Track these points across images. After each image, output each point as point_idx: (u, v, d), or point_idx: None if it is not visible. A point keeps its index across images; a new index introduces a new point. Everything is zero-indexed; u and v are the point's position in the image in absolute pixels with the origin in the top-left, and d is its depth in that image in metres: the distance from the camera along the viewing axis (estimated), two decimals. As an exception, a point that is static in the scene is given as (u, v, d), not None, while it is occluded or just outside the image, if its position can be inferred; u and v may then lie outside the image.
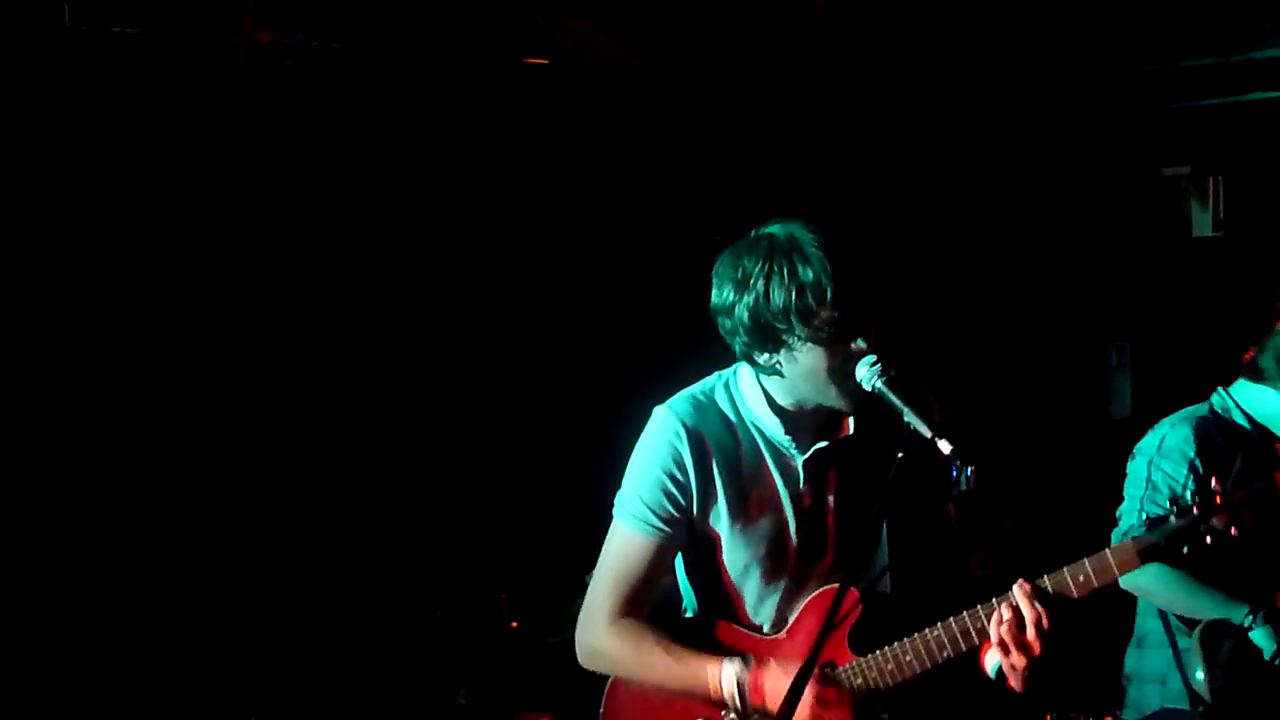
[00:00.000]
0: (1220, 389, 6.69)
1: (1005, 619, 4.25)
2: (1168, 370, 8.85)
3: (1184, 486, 6.28)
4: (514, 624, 6.84)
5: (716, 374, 4.63)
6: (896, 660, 4.39)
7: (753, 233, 4.38)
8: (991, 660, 4.39)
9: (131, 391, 6.97)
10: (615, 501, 4.61)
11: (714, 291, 4.40)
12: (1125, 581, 5.91)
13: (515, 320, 8.02)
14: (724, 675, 4.45)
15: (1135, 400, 9.15)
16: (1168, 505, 6.06)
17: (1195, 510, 4.29)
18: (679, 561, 4.69)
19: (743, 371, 4.57)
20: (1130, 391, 9.16)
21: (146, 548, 6.93)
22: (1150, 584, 6.04)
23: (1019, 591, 4.27)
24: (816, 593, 4.52)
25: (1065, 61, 8.62)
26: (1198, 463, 6.34)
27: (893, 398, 4.21)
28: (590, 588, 4.65)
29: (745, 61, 8.08)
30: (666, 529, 4.53)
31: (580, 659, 4.70)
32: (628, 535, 4.57)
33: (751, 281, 4.29)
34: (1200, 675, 6.01)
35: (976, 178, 8.92)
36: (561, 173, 8.05)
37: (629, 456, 4.62)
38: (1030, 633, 4.23)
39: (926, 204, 8.86)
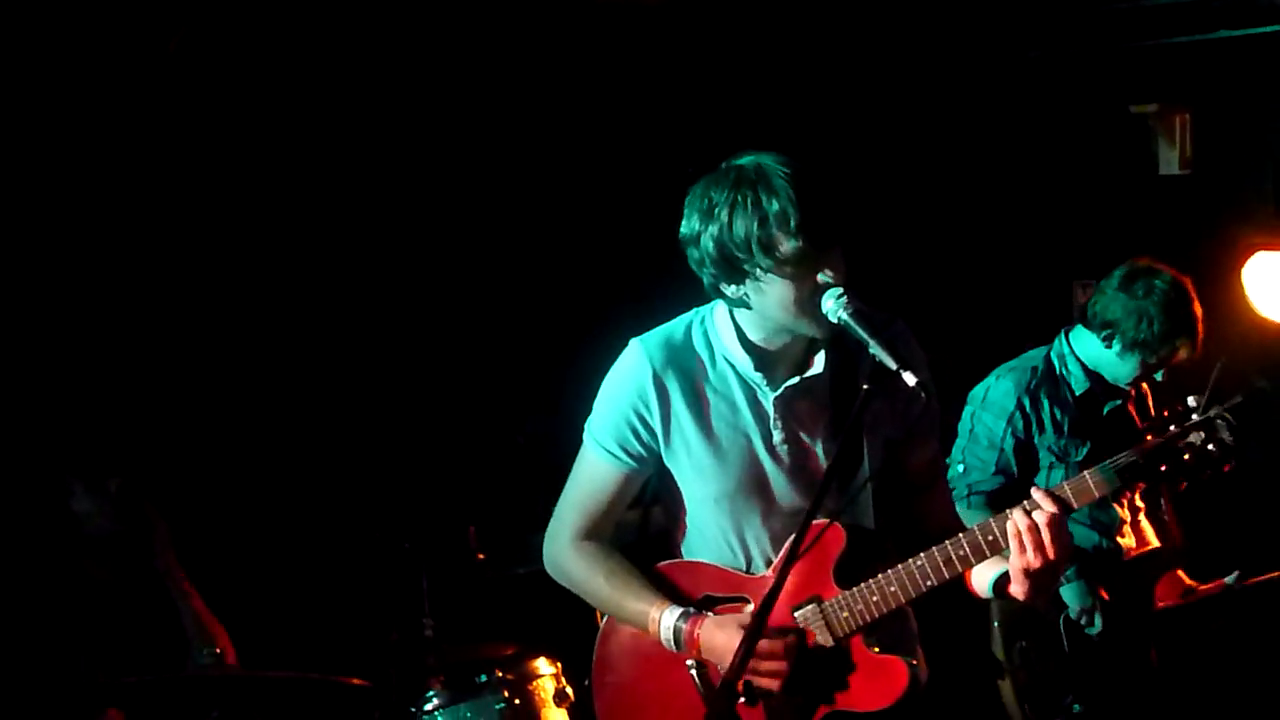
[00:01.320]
0: (1063, 333, 6.73)
1: (1027, 523, 4.26)
2: (1133, 308, 8.86)
3: (1001, 440, 6.38)
4: (481, 555, 6.87)
5: (694, 310, 4.65)
6: (881, 592, 4.42)
7: (723, 165, 4.38)
8: (983, 577, 4.46)
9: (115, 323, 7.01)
10: (586, 426, 4.70)
11: (683, 222, 4.42)
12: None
13: (486, 248, 8.03)
14: (662, 623, 4.57)
15: (1100, 338, 9.16)
16: (984, 457, 6.26)
17: (1172, 429, 4.29)
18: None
19: (718, 309, 4.58)
20: (1095, 329, 9.16)
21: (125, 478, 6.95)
22: None
23: (1038, 495, 4.30)
24: (797, 532, 4.44)
25: (1034, -2, 8.61)
26: (1017, 417, 6.42)
27: (858, 329, 4.23)
28: (560, 502, 4.79)
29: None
30: (631, 462, 4.63)
31: (546, 567, 4.87)
32: (594, 462, 4.67)
33: (716, 211, 4.31)
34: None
35: (943, 114, 8.91)
36: (553, 99, 8.05)
37: (599, 388, 4.67)
38: (1047, 535, 4.25)
39: (893, 141, 8.86)
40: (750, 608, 4.53)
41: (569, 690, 6.36)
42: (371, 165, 7.81)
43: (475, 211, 8.08)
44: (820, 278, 4.29)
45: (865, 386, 4.23)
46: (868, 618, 4.44)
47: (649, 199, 7.63)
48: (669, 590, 4.64)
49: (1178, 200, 8.79)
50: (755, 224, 4.24)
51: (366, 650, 6.77)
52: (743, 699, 4.48)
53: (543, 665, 6.39)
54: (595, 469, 4.68)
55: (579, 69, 8.09)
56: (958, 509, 5.46)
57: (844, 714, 4.50)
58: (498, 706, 6.14)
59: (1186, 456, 4.29)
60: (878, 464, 4.55)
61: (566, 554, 4.75)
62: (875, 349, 4.20)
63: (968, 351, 8.16)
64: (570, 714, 6.33)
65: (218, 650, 6.02)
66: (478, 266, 8.12)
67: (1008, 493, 6.49)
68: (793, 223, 4.22)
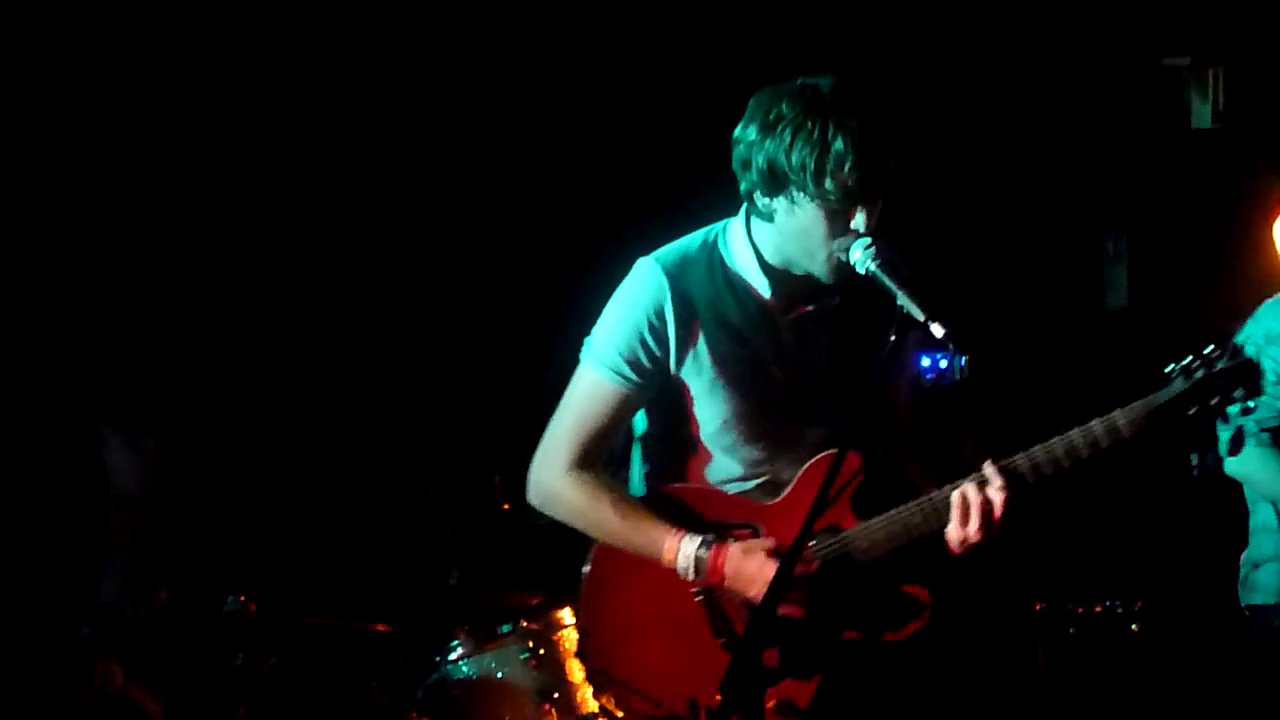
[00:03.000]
0: None
1: (978, 499, 4.25)
2: (1165, 262, 8.84)
3: None
4: (506, 505, 6.86)
5: (705, 229, 4.58)
6: (904, 524, 4.38)
7: (800, 80, 4.31)
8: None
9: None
10: (585, 345, 4.59)
11: (741, 123, 4.35)
12: (1230, 469, 5.87)
13: (502, 209, 8.03)
14: (681, 550, 4.44)
15: (1131, 291, 9.14)
16: (1272, 393, 5.99)
17: (1198, 373, 4.28)
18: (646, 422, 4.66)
19: (733, 227, 4.54)
20: (1127, 283, 9.14)
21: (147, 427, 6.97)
22: (1252, 471, 6.00)
23: (989, 470, 4.28)
24: (816, 458, 4.46)
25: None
26: None
27: (887, 280, 4.17)
28: (550, 428, 4.63)
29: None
30: (637, 379, 4.51)
31: (531, 497, 4.70)
32: (595, 381, 4.54)
33: (780, 128, 4.24)
34: None
35: (975, 66, 8.88)
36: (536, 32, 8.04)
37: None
38: (984, 512, 4.25)
39: (925, 93, 8.82)
40: (764, 535, 4.47)
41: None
42: (381, 141, 7.82)
43: (482, 183, 8.06)
44: (854, 218, 4.26)
45: (894, 336, 4.18)
46: (887, 549, 4.40)
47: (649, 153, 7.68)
48: (677, 517, 4.52)
49: (1209, 154, 8.75)
50: (814, 153, 4.19)
51: (391, 598, 6.78)
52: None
53: (567, 615, 6.37)
54: (597, 389, 4.54)
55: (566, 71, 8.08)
56: (1245, 449, 5.56)
57: (863, 644, 4.48)
58: (522, 656, 6.13)
59: (1215, 401, 4.27)
60: (902, 396, 4.56)
61: (563, 483, 4.59)
62: (903, 299, 4.14)
63: (999, 302, 8.16)
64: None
65: (241, 599, 6.03)
66: (505, 226, 8.11)
67: None
68: (848, 164, 4.19)
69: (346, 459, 7.50)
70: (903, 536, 4.38)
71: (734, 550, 4.41)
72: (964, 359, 4.51)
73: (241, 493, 7.17)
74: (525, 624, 6.27)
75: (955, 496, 4.28)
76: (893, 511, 4.40)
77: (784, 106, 4.26)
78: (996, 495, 4.26)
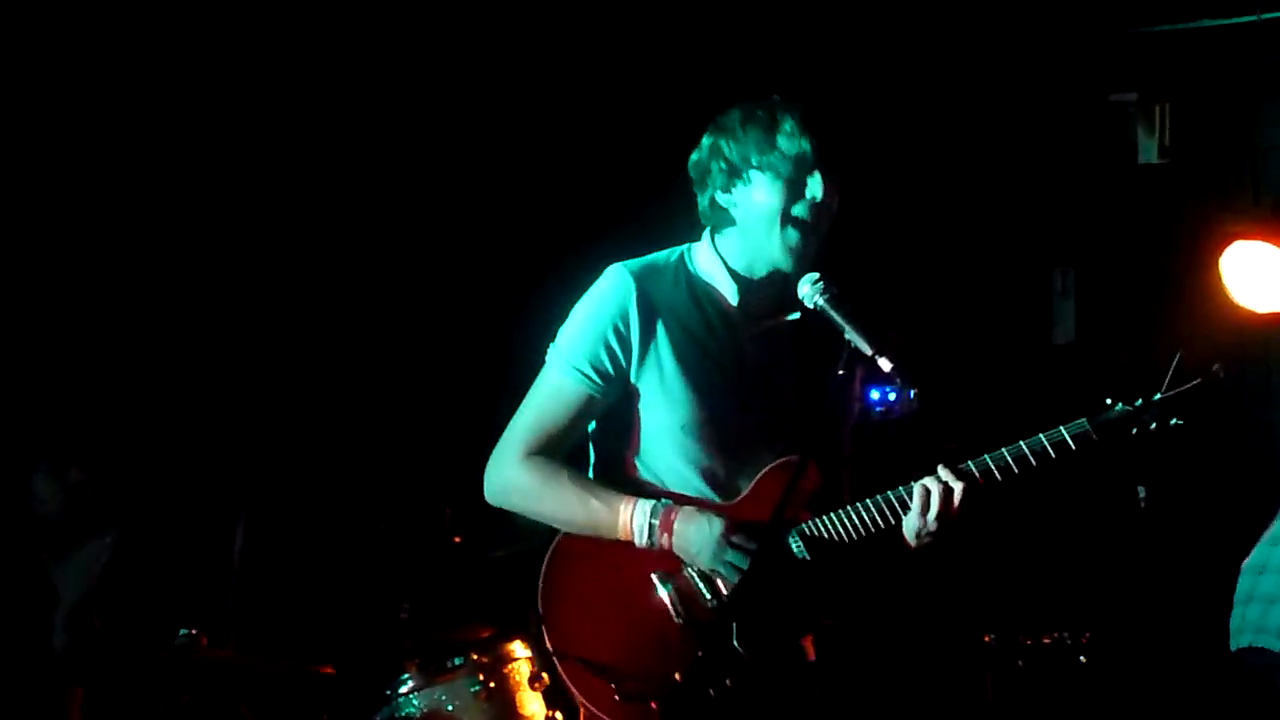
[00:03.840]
0: None
1: (931, 488, 4.39)
2: (1112, 296, 8.89)
3: None
4: (457, 538, 6.86)
5: (670, 248, 4.70)
6: (843, 522, 4.47)
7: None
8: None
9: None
10: (550, 349, 4.66)
11: (696, 150, 4.60)
12: None
13: (458, 235, 8.04)
14: (636, 511, 4.51)
15: (1079, 326, 9.19)
16: None
17: (1137, 401, 4.43)
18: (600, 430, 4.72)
19: (698, 244, 4.66)
20: (1075, 317, 9.19)
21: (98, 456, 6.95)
22: None
23: (943, 469, 4.41)
24: (776, 463, 4.55)
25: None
26: None
27: (834, 315, 4.33)
28: (509, 427, 4.69)
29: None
30: (599, 381, 4.58)
31: (486, 493, 4.74)
32: (559, 381, 4.62)
33: (729, 124, 4.52)
34: None
35: (923, 102, 8.92)
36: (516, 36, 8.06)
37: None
38: (941, 503, 4.39)
39: (871, 129, 8.86)
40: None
41: (544, 673, 6.36)
42: (364, 154, 7.82)
43: (447, 204, 8.08)
44: (808, 190, 4.44)
45: (840, 372, 4.28)
46: (838, 539, 4.48)
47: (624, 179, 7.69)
48: (633, 492, 4.60)
49: (1156, 189, 8.80)
50: (764, 129, 4.46)
51: (342, 632, 6.78)
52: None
53: (518, 648, 6.38)
54: (560, 389, 4.62)
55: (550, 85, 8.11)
56: None
57: (816, 626, 4.65)
58: (473, 689, 6.13)
59: (1134, 430, 4.43)
60: (850, 413, 4.71)
61: (518, 469, 4.64)
62: (850, 334, 4.28)
63: (947, 336, 8.19)
64: (545, 697, 6.33)
65: (193, 632, 6.02)
66: (457, 251, 8.12)
67: None
68: (799, 130, 4.44)
69: (297, 493, 7.49)
70: (856, 530, 4.47)
71: (685, 510, 4.50)
72: (912, 392, 4.57)
73: (189, 529, 7.16)
74: (476, 657, 6.27)
75: (917, 488, 4.40)
76: (848, 507, 4.50)
77: (733, 111, 4.54)
78: (956, 484, 4.39)
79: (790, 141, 4.44)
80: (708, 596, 4.51)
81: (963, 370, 8.56)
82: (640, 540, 4.51)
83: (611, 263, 4.67)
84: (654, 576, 4.54)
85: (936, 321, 8.67)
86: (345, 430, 7.67)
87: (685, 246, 4.69)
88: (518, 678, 6.20)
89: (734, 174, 4.50)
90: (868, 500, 4.48)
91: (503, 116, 8.09)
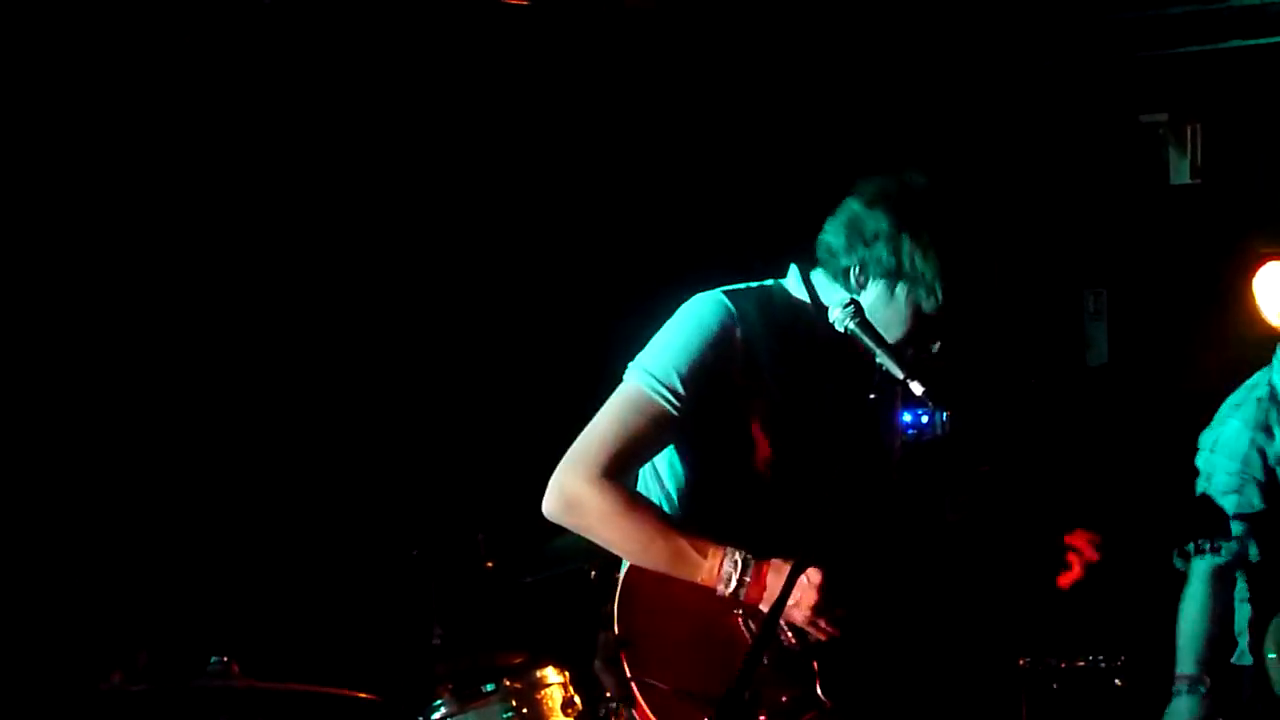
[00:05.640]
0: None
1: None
2: (1144, 317, 8.87)
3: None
4: (490, 563, 6.86)
5: (756, 282, 4.57)
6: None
7: (893, 181, 4.53)
8: None
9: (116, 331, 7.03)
10: (633, 365, 4.46)
11: (863, 199, 4.51)
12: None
13: (491, 259, 8.04)
14: (723, 565, 4.32)
15: (1112, 347, 9.17)
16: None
17: None
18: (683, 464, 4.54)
19: (793, 284, 4.58)
20: (1107, 338, 9.17)
21: (128, 485, 6.97)
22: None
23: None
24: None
25: (1045, 8, 8.61)
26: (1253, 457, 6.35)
27: (865, 339, 4.28)
28: (583, 437, 4.45)
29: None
30: (683, 409, 4.37)
31: (549, 506, 4.47)
32: (643, 398, 4.39)
33: (873, 243, 4.43)
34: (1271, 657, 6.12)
35: (955, 123, 8.92)
36: (549, 109, 8.07)
37: (608, 396, 4.47)
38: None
39: (905, 149, 8.86)
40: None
41: (577, 699, 6.35)
42: (382, 179, 7.84)
43: (480, 212, 8.09)
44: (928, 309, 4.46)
45: (871, 396, 4.28)
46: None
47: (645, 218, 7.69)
48: (714, 536, 4.39)
49: (1188, 209, 8.79)
50: (939, 267, 4.44)
51: (375, 657, 6.78)
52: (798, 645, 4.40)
53: (551, 674, 6.37)
54: (643, 405, 4.38)
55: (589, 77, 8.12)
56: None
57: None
58: (505, 715, 6.13)
59: None
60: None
61: (591, 487, 4.37)
62: (882, 357, 4.25)
63: (979, 358, 8.15)
64: (578, 722, 6.33)
65: (224, 659, 6.02)
66: (492, 269, 8.13)
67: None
68: (937, 292, 4.42)
69: (331, 518, 7.50)
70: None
71: (776, 565, 4.32)
72: (944, 415, 4.54)
73: (224, 552, 7.17)
74: (508, 683, 6.26)
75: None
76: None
77: (876, 219, 4.44)
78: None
79: (929, 302, 4.44)
80: (794, 642, 4.40)
81: (996, 392, 8.54)
82: (724, 589, 4.32)
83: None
84: (738, 614, 4.38)
85: (969, 343, 8.66)
86: (379, 456, 7.67)
87: (774, 282, 4.58)
88: (550, 704, 6.19)
89: (892, 276, 4.44)
90: None
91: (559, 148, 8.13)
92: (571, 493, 4.41)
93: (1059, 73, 8.83)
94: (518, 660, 6.48)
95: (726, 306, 4.42)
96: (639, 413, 4.39)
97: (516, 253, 8.12)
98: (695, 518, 4.45)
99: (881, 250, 4.42)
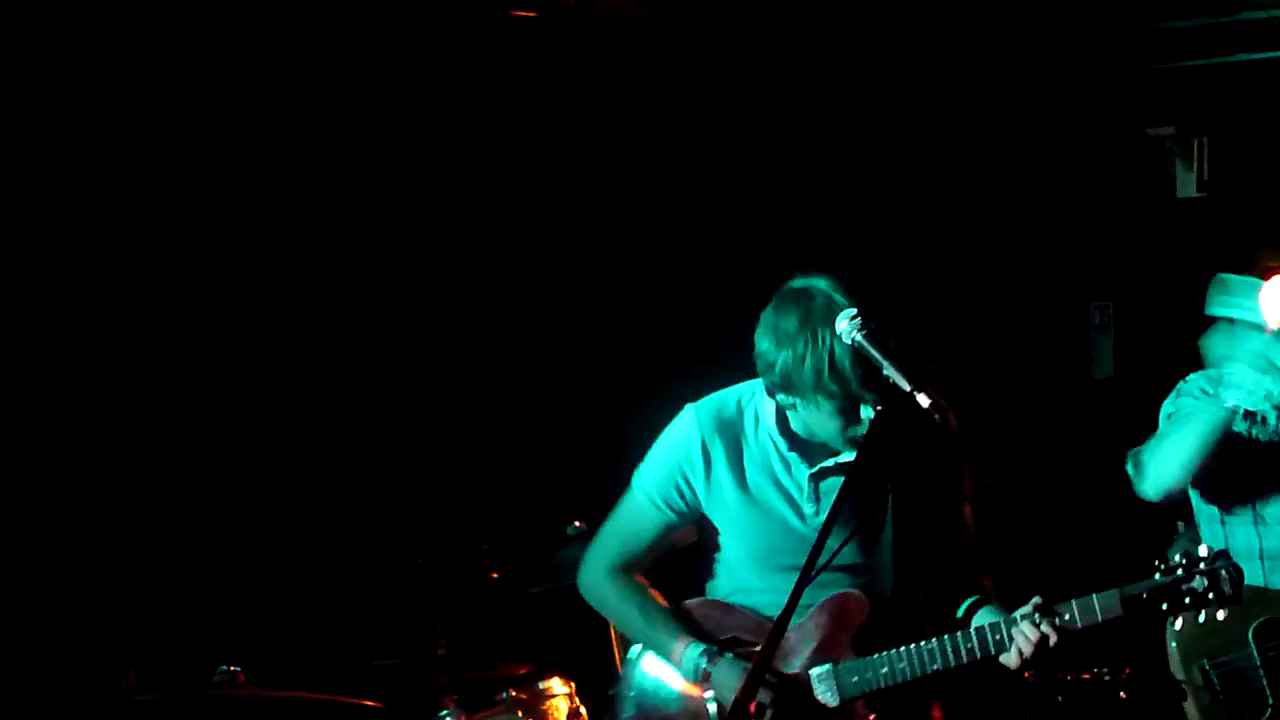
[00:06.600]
0: None
1: (1035, 635, 4.57)
2: (1150, 330, 8.87)
3: None
4: (495, 575, 6.85)
5: (746, 384, 4.88)
6: (890, 665, 4.63)
7: (795, 285, 4.62)
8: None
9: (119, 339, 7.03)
10: (635, 473, 4.95)
11: (758, 334, 4.66)
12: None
13: (496, 272, 8.05)
14: (685, 654, 4.79)
15: (1118, 360, 9.17)
16: None
17: (1179, 570, 4.56)
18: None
19: (763, 389, 4.78)
20: (1113, 351, 9.18)
21: (132, 499, 6.98)
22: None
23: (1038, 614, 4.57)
24: (831, 595, 4.71)
25: (1051, 20, 8.62)
26: None
27: (872, 351, 4.38)
28: (602, 531, 5.06)
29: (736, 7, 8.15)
30: (672, 515, 4.89)
31: (579, 587, 5.08)
32: (639, 506, 4.94)
33: (788, 341, 4.55)
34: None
35: (962, 136, 8.92)
36: (553, 126, 8.08)
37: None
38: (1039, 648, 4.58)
39: (911, 162, 8.87)
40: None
41: (582, 710, 6.35)
42: (389, 199, 7.85)
43: (487, 226, 8.10)
44: (864, 411, 4.51)
45: (879, 408, 4.35)
46: (874, 686, 4.64)
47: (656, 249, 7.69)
48: (696, 627, 4.86)
49: (1194, 223, 8.79)
50: (823, 367, 4.48)
51: (380, 669, 6.77)
52: None
53: (556, 685, 6.38)
54: (638, 513, 4.94)
55: (588, 89, 8.13)
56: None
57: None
58: (511, 726, 6.14)
59: (1188, 600, 4.56)
60: (906, 534, 4.71)
61: (602, 581, 5.00)
62: (889, 370, 4.31)
63: (985, 371, 8.17)
64: (583, 735, 6.34)
65: (230, 668, 6.02)
66: (498, 282, 8.13)
67: None
68: (854, 376, 4.45)
69: (335, 529, 7.49)
70: (889, 677, 4.64)
71: (722, 661, 4.75)
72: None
73: (228, 562, 7.17)
74: (514, 693, 6.27)
75: (1018, 634, 4.57)
76: (883, 653, 4.64)
77: (786, 320, 4.57)
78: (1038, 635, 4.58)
79: (850, 387, 4.49)
80: None
81: (1001, 405, 8.54)
82: (688, 679, 4.80)
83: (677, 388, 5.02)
84: (707, 700, 4.80)
85: (976, 356, 8.66)
86: (385, 467, 7.67)
87: (759, 384, 4.79)
88: (556, 714, 6.20)
89: (794, 392, 4.60)
90: (915, 646, 4.62)
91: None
92: (588, 581, 5.06)
93: (1066, 86, 8.84)
94: (523, 671, 6.49)
95: (691, 421, 4.87)
96: (634, 517, 4.98)
97: (521, 266, 8.12)
98: (724, 586, 4.93)
99: (776, 371, 4.62)
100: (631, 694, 5.00)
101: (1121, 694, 7.03)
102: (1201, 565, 4.53)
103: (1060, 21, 8.61)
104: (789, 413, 4.71)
